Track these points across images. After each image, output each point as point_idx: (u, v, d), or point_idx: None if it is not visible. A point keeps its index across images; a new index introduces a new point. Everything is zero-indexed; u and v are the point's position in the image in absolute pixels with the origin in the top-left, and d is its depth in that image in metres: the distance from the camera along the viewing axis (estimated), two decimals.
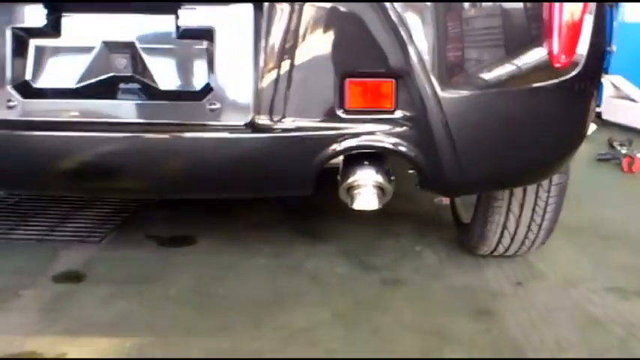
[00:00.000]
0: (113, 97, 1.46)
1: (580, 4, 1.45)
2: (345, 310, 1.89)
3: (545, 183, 1.90)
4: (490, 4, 1.44)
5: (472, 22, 1.43)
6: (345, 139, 1.45)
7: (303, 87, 1.42)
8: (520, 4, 1.43)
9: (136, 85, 1.45)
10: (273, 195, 1.65)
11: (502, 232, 2.03)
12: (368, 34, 1.38)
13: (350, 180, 1.50)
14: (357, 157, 1.51)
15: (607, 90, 4.67)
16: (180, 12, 1.41)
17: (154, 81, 1.45)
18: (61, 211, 2.55)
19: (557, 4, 1.42)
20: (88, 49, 1.44)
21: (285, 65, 1.40)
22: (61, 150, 1.47)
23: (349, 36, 1.40)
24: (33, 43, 1.45)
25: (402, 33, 1.36)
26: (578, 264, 2.24)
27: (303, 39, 1.40)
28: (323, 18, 1.40)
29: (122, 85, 1.46)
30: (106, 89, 1.45)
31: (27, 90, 1.45)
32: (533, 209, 1.95)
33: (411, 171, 1.69)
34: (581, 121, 1.63)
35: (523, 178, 1.74)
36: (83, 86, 1.45)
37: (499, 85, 1.46)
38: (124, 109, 1.46)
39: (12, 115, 1.45)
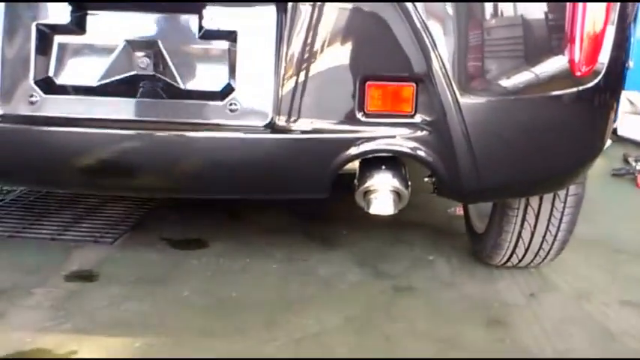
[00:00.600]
0: (134, 95, 1.47)
1: (603, 15, 1.45)
2: (357, 317, 1.89)
3: (561, 193, 1.89)
4: (512, 11, 1.44)
5: (494, 29, 1.44)
6: (363, 142, 1.45)
7: (323, 89, 1.43)
8: (542, 13, 1.43)
9: (157, 84, 1.46)
10: (289, 197, 1.65)
11: (517, 242, 2.01)
12: (390, 37, 1.38)
13: (367, 184, 1.50)
14: (373, 162, 1.51)
15: (623, 106, 4.65)
16: (204, 12, 1.42)
17: (175, 80, 1.46)
18: (75, 211, 2.56)
19: (579, 13, 1.42)
20: (111, 47, 1.46)
21: (306, 67, 1.41)
22: (81, 147, 1.48)
23: (371, 39, 1.40)
24: (57, 39, 1.47)
25: (425, 38, 1.37)
26: (591, 276, 2.22)
27: (325, 41, 1.40)
28: (345, 20, 1.41)
29: (143, 84, 1.47)
30: (127, 87, 1.46)
31: (49, 86, 1.47)
32: (549, 219, 1.94)
33: (426, 179, 1.69)
34: (599, 131, 1.62)
35: (540, 187, 1.73)
36: (105, 84, 1.46)
37: (519, 92, 1.45)
38: (145, 107, 1.47)
39: (33, 111, 1.46)
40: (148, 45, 1.45)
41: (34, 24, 1.45)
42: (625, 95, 4.60)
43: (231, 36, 1.44)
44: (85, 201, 2.65)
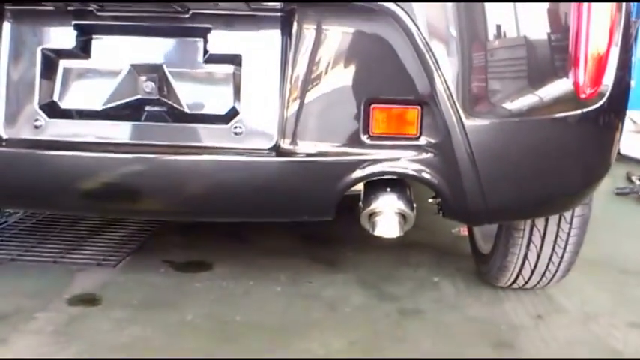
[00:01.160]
0: (139, 119, 1.47)
1: (606, 37, 1.45)
2: (362, 339, 1.87)
3: (567, 214, 1.88)
4: (516, 34, 1.44)
5: (498, 52, 1.44)
6: (369, 165, 1.44)
7: (328, 112, 1.43)
8: (546, 35, 1.44)
9: (162, 108, 1.47)
10: (294, 219, 1.64)
11: (523, 264, 2.00)
12: (394, 60, 1.39)
13: (372, 207, 1.50)
14: (378, 184, 1.50)
15: (625, 125, 4.65)
16: (208, 36, 1.43)
17: (180, 104, 1.46)
18: (77, 233, 2.55)
19: (583, 36, 1.43)
20: (116, 72, 1.46)
21: (311, 90, 1.41)
22: (86, 170, 1.48)
23: (375, 62, 1.41)
24: (62, 64, 1.47)
25: (429, 60, 1.37)
26: (598, 297, 2.20)
27: (330, 64, 1.41)
28: (349, 43, 1.41)
29: (148, 108, 1.47)
30: (132, 111, 1.47)
31: (54, 110, 1.47)
32: (555, 241, 1.93)
33: (430, 200, 1.69)
34: (604, 152, 1.61)
35: (545, 209, 1.72)
36: (110, 108, 1.47)
37: (524, 115, 1.45)
38: (150, 131, 1.47)
39: (38, 135, 1.46)
40: (153, 69, 1.46)
41: (39, 49, 1.46)
42: (627, 114, 4.60)
43: (235, 60, 1.44)
44: (87, 223, 2.64)
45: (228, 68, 1.45)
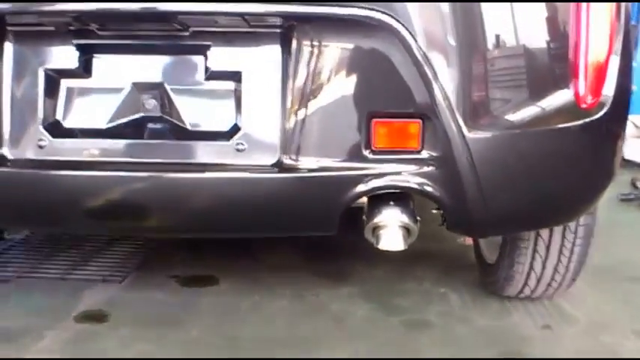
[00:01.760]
0: (142, 137, 1.48)
1: (606, 45, 1.45)
2: (369, 353, 1.86)
3: (572, 224, 1.87)
4: (516, 45, 1.45)
5: (498, 64, 1.44)
6: (371, 179, 1.44)
7: (329, 127, 1.43)
8: (546, 46, 1.44)
9: (164, 126, 1.47)
10: (297, 234, 1.64)
11: (528, 274, 1.99)
12: (394, 74, 1.39)
13: (375, 220, 1.50)
14: (382, 197, 1.50)
15: (628, 130, 4.63)
16: (209, 53, 1.44)
17: (182, 121, 1.47)
18: (82, 250, 2.56)
19: (583, 45, 1.42)
20: (118, 90, 1.47)
21: (312, 106, 1.42)
22: (90, 189, 1.48)
23: (376, 77, 1.41)
24: (64, 83, 1.48)
25: (428, 73, 1.37)
26: (606, 306, 2.19)
27: (330, 80, 1.41)
28: (349, 59, 1.42)
29: (151, 126, 1.48)
30: (134, 129, 1.47)
31: (57, 130, 1.48)
32: (560, 251, 1.92)
33: (434, 211, 1.68)
34: (608, 162, 1.61)
35: (549, 220, 1.71)
36: (113, 126, 1.47)
37: (526, 126, 1.45)
38: (153, 149, 1.47)
39: (42, 155, 1.47)
40: (155, 87, 1.46)
41: (41, 69, 1.47)
42: (630, 119, 4.58)
43: (236, 76, 1.45)
44: (92, 240, 2.64)
45: (230, 85, 1.46)
